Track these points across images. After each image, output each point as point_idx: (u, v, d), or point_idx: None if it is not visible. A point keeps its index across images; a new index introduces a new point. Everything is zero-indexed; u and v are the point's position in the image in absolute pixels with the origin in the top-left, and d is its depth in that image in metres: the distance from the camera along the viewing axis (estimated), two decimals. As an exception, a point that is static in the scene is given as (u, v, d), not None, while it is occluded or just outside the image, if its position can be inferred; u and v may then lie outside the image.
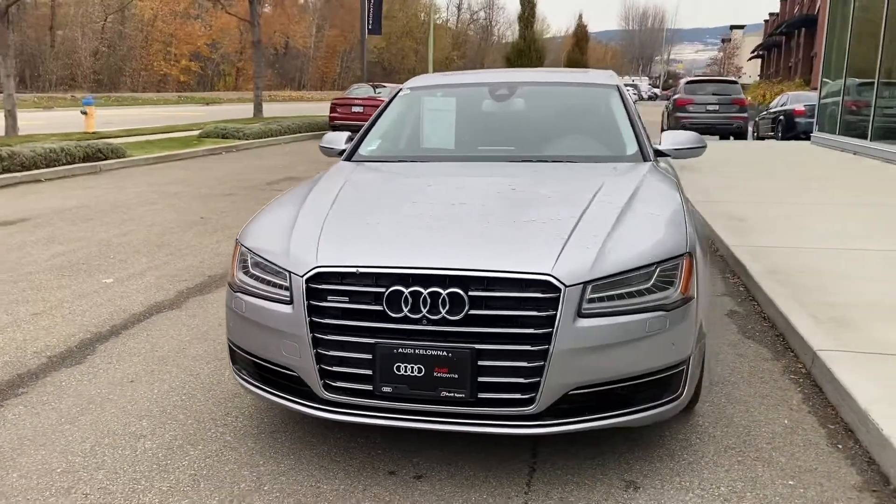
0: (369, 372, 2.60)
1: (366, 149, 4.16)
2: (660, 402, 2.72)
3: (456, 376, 2.52)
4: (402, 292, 2.55)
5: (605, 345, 2.54)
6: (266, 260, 2.85)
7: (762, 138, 20.82)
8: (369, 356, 2.59)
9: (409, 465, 2.84)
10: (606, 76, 4.54)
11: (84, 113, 18.48)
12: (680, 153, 4.04)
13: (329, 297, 2.65)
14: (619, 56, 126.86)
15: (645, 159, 3.84)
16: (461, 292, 2.52)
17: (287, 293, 2.71)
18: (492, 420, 2.57)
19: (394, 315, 2.56)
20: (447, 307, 2.52)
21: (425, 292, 2.54)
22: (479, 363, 2.52)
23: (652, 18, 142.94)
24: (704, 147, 4.15)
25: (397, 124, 4.42)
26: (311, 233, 2.90)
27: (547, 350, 2.50)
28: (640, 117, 4.14)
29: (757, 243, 6.18)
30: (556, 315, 2.50)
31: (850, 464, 2.87)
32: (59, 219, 7.76)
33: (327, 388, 2.66)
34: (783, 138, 18.78)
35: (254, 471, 2.82)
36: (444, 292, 2.53)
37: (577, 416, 2.60)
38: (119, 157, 12.23)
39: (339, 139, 4.28)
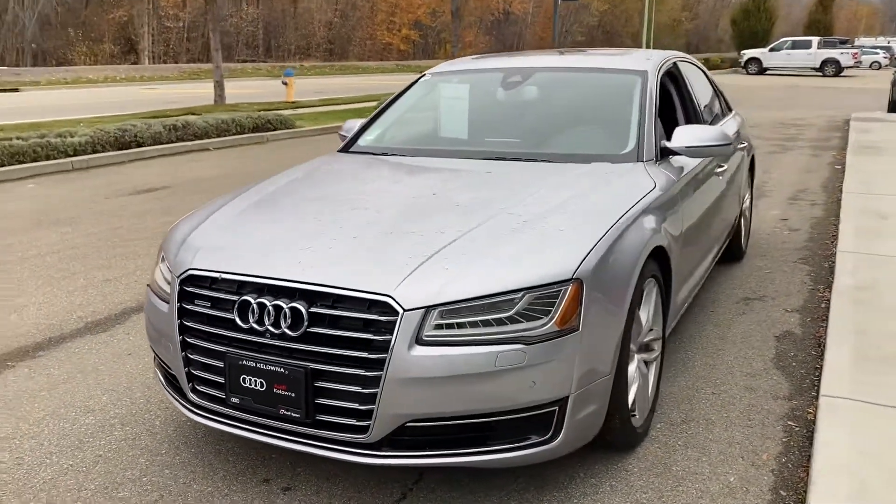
0: (223, 380, 2.58)
1: (365, 139, 4.07)
2: (524, 444, 2.44)
3: (293, 395, 2.43)
4: (251, 303, 2.49)
5: (444, 377, 2.31)
6: (164, 257, 2.92)
7: None
8: (222, 364, 2.57)
9: (286, 476, 2.80)
10: (640, 60, 4.04)
11: (284, 84, 19.92)
12: (695, 152, 3.52)
13: (196, 301, 2.66)
14: (876, 15, 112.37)
15: (639, 159, 3.39)
16: (301, 307, 2.41)
17: (168, 293, 2.76)
18: (331, 444, 2.45)
19: (242, 325, 2.51)
20: (288, 322, 2.43)
21: (269, 304, 2.46)
22: (316, 384, 2.41)
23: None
24: (729, 146, 3.58)
25: (408, 112, 4.27)
26: (207, 231, 2.92)
27: (380, 377, 2.32)
28: (655, 109, 3.64)
29: (877, 251, 5.26)
30: (391, 340, 2.31)
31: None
32: (194, 188, 8.46)
33: (194, 391, 2.69)
34: None
35: (148, 460, 2.93)
36: (286, 306, 2.43)
37: (421, 451, 2.41)
38: (287, 128, 13.07)
39: (355, 126, 4.21)
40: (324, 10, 60.54)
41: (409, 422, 2.36)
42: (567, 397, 2.43)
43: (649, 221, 2.95)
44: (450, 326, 2.34)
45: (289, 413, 2.46)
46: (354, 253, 2.57)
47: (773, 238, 6.22)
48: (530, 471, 2.77)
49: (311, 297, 2.44)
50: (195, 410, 2.72)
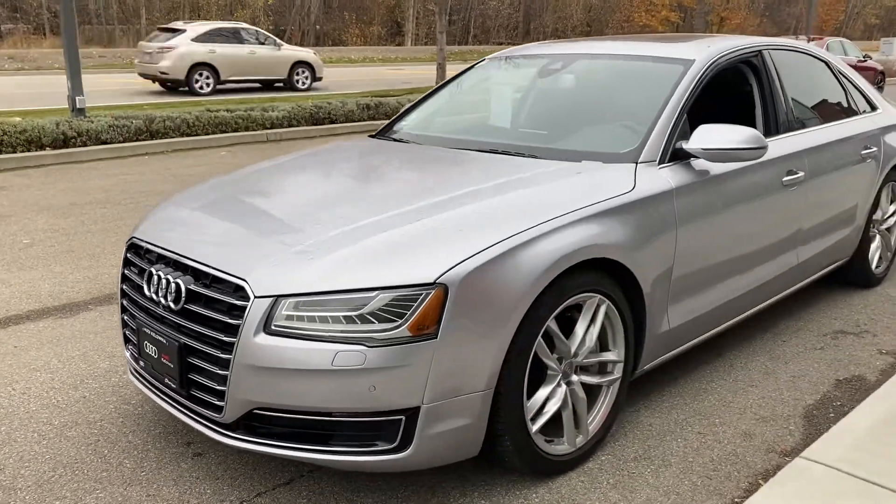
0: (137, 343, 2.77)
1: (399, 125, 4.03)
2: (372, 449, 2.33)
3: (172, 366, 2.54)
4: (151, 272, 2.64)
5: (283, 369, 2.28)
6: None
7: None
8: (135, 329, 2.76)
9: (204, 444, 2.92)
10: (696, 48, 3.54)
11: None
12: (714, 155, 3.05)
13: (129, 268, 2.86)
14: None
15: (635, 160, 3.02)
16: (182, 283, 2.51)
17: None
18: (201, 418, 2.53)
19: (147, 293, 2.66)
20: (173, 296, 2.54)
21: (163, 277, 2.58)
22: (188, 359, 2.49)
23: None
24: (759, 150, 3.05)
25: (449, 97, 4.15)
26: (175, 202, 3.11)
27: (230, 360, 2.35)
28: (683, 103, 3.19)
29: None
30: (240, 325, 2.33)
31: None
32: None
33: (127, 350, 2.91)
34: None
35: (73, 417, 3.20)
36: (172, 280, 2.54)
37: (271, 440, 2.39)
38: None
39: None
40: (586, -9, 60.11)
41: (256, 409, 2.36)
42: (418, 408, 2.28)
43: (596, 228, 2.63)
44: (300, 319, 2.29)
45: (170, 383, 2.58)
46: (244, 238, 2.61)
47: (937, 265, 5.17)
48: (410, 480, 2.64)
49: (196, 274, 2.52)
50: (130, 370, 2.94)
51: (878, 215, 4.63)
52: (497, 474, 2.69)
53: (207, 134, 10.02)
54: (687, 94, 3.25)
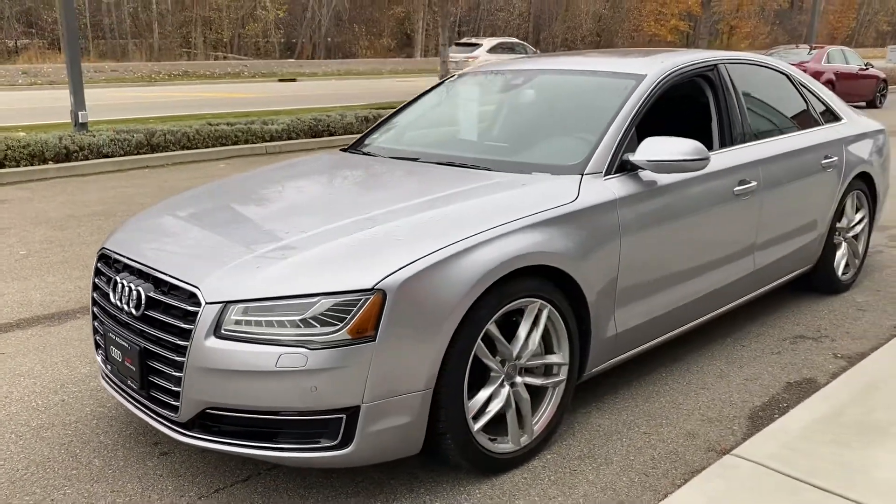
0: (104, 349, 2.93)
1: (370, 138, 4.19)
2: (315, 446, 2.47)
3: (134, 369, 2.70)
4: (116, 280, 2.80)
5: (232, 370, 2.43)
6: None
7: None
8: (103, 335, 2.92)
9: (171, 443, 3.08)
10: (649, 63, 3.68)
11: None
12: (658, 166, 3.18)
13: (99, 276, 3.03)
14: None
15: (581, 171, 3.15)
16: (142, 291, 2.67)
17: None
18: (160, 417, 2.68)
19: (112, 300, 2.83)
20: (133, 302, 2.70)
21: (126, 285, 2.74)
22: (147, 362, 2.65)
23: None
24: (701, 162, 3.18)
25: (421, 112, 4.30)
26: (142, 214, 3.28)
27: (184, 363, 2.50)
28: (632, 117, 3.33)
29: None
30: (193, 330, 2.49)
31: None
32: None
33: (98, 355, 3.07)
34: None
35: (50, 419, 3.38)
36: (134, 288, 2.70)
37: (223, 437, 2.54)
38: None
39: None
40: (592, 2, 60.30)
41: (208, 408, 2.51)
42: (358, 406, 2.42)
43: (536, 236, 2.77)
44: (248, 323, 2.45)
45: (132, 385, 2.73)
46: (202, 247, 2.77)
47: (908, 272, 5.27)
48: (357, 475, 2.78)
49: (156, 282, 2.68)
50: (101, 374, 3.10)
51: (843, 223, 4.73)
52: (443, 472, 2.82)
53: (207, 147, 10.24)
54: (636, 108, 3.39)
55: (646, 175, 3.28)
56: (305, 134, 11.21)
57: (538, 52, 25.88)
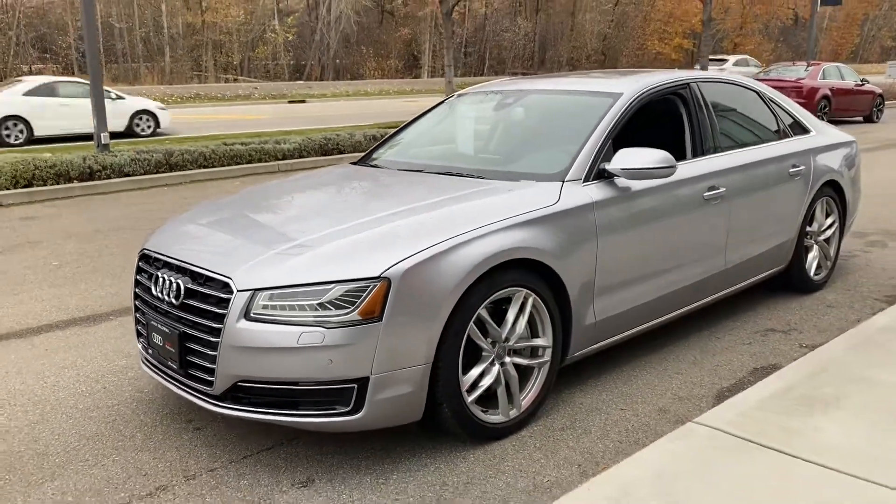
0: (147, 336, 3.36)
1: (378, 153, 4.64)
2: (331, 412, 2.89)
3: (174, 351, 3.12)
4: (157, 275, 3.24)
5: (259, 347, 2.85)
6: None
7: None
8: (145, 324, 3.35)
9: (206, 419, 3.49)
10: (626, 83, 4.12)
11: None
12: (632, 174, 3.60)
13: (141, 273, 3.47)
14: None
15: (562, 178, 3.58)
16: (181, 283, 3.10)
17: None
18: (196, 392, 3.10)
19: (153, 293, 3.26)
20: (174, 293, 3.13)
21: (167, 279, 3.18)
22: (186, 344, 3.07)
23: None
24: (669, 169, 3.60)
25: (424, 129, 4.75)
26: (177, 220, 3.73)
27: (218, 343, 2.93)
28: (609, 131, 3.76)
29: None
30: (226, 314, 2.91)
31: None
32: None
33: (139, 342, 3.50)
34: None
35: (95, 402, 3.80)
36: (174, 281, 3.14)
37: (253, 407, 2.96)
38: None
39: None
40: (597, 21, 61.03)
41: (240, 381, 2.93)
42: (367, 377, 2.84)
43: (520, 234, 3.18)
44: (273, 307, 2.87)
45: (172, 365, 3.16)
46: (233, 245, 3.21)
47: (876, 275, 5.65)
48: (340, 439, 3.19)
49: (193, 275, 3.12)
50: (141, 359, 3.54)
51: (814, 227, 5.13)
52: (443, 441, 3.22)
53: (223, 166, 10.74)
54: (613, 123, 3.82)
55: (621, 181, 3.70)
56: (316, 152, 11.70)
57: (762, 65, 36.16)
